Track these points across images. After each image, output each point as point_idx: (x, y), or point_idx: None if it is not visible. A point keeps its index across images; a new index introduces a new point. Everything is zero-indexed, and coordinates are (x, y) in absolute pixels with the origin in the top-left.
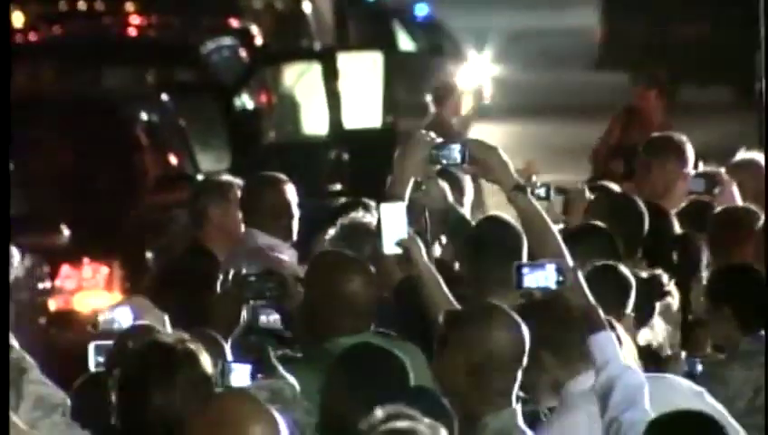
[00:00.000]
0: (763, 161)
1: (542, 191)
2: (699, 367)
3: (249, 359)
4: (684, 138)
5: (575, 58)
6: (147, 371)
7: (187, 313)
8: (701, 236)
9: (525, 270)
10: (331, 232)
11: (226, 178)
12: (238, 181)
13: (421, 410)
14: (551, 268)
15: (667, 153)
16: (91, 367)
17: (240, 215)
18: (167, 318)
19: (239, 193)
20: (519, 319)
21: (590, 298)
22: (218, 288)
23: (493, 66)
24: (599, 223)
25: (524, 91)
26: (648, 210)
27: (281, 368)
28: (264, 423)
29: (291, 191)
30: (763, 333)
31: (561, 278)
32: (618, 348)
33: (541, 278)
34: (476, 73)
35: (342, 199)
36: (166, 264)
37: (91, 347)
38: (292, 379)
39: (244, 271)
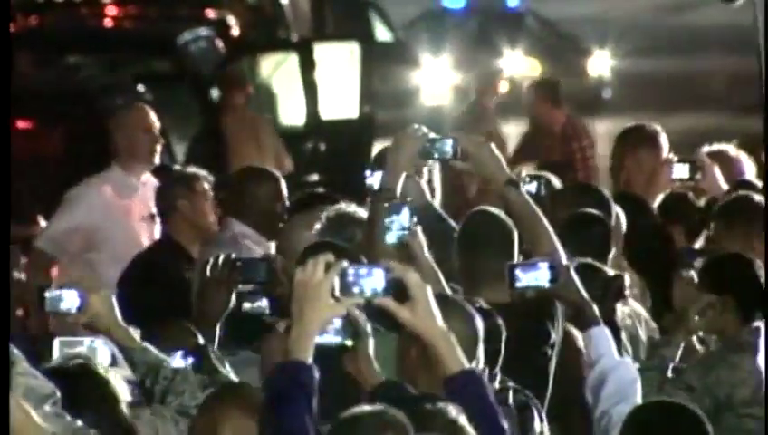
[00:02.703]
0: (731, 152)
1: (532, 187)
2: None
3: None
4: (657, 127)
5: (698, 45)
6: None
7: (155, 305)
8: (678, 228)
9: (518, 270)
10: (317, 226)
11: (194, 170)
12: (205, 174)
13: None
14: (543, 267)
15: (639, 143)
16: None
17: (208, 206)
18: (114, 297)
19: (206, 185)
20: (473, 312)
21: (584, 294)
22: (208, 272)
23: (611, 57)
24: (594, 211)
25: (647, 82)
26: (626, 201)
27: (223, 369)
28: (250, 412)
29: (277, 184)
30: (756, 324)
31: (554, 276)
32: (611, 342)
33: (534, 277)
34: (596, 66)
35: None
36: (135, 257)
37: (56, 343)
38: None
39: (233, 256)
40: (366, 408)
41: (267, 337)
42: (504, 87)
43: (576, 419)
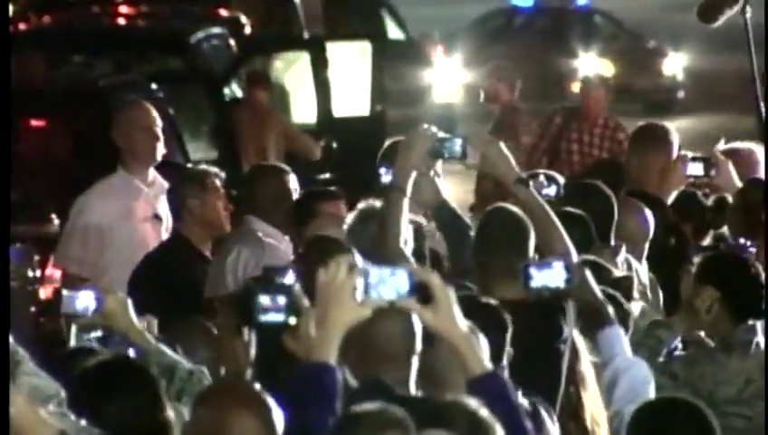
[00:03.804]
0: (749, 150)
1: (552, 190)
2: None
3: None
4: (668, 127)
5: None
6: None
7: (166, 303)
8: (687, 226)
9: (533, 270)
10: (349, 219)
11: (204, 167)
12: (217, 171)
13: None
14: (558, 266)
15: (650, 142)
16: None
17: (219, 204)
18: (129, 302)
19: (218, 182)
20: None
21: (599, 294)
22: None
23: (682, 56)
24: (573, 210)
25: (720, 79)
26: (639, 199)
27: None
28: (255, 410)
29: (292, 181)
30: (751, 323)
31: (569, 276)
32: (625, 342)
33: (549, 277)
34: (670, 66)
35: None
36: (146, 255)
37: (74, 328)
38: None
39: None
40: (367, 406)
41: (223, 338)
42: (576, 87)
43: None
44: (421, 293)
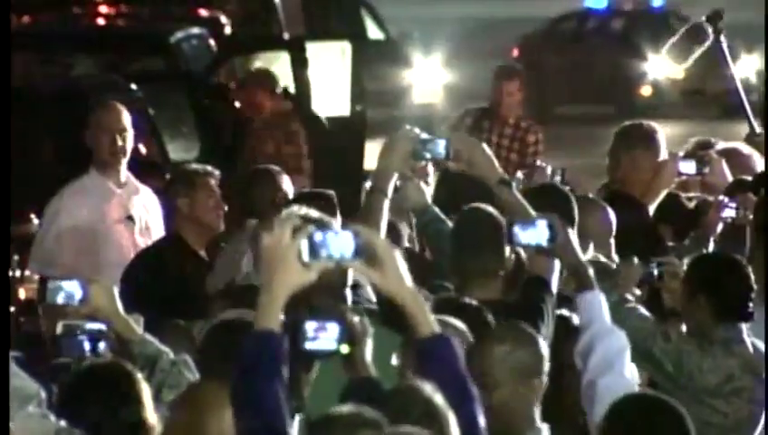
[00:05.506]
0: (744, 150)
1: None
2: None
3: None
4: (654, 125)
5: None
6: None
7: (158, 301)
8: (667, 227)
9: (517, 228)
10: None
11: (195, 166)
12: (210, 170)
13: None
14: (542, 225)
15: (635, 142)
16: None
17: (211, 202)
18: (116, 290)
19: (212, 181)
20: (537, 336)
21: (581, 256)
22: None
23: (755, 58)
24: None
25: None
26: (618, 199)
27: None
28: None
29: (286, 182)
30: (734, 323)
31: (552, 236)
32: (604, 309)
33: (533, 235)
34: (743, 69)
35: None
36: (139, 253)
37: (60, 326)
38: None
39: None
40: (341, 408)
41: None
42: (647, 90)
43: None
44: (366, 254)
